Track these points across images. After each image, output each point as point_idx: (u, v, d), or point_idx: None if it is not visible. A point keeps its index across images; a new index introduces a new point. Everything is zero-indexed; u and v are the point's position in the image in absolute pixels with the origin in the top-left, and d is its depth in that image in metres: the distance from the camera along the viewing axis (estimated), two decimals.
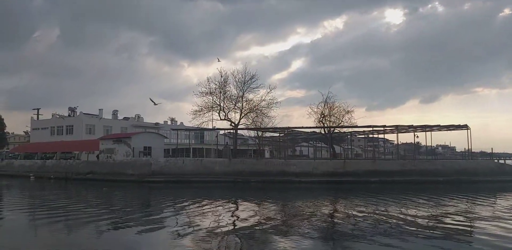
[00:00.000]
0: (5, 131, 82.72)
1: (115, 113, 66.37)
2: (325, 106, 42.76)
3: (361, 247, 10.17)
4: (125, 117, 67.93)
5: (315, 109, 42.99)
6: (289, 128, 42.84)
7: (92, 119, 60.75)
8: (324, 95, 42.93)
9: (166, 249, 9.99)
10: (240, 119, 43.82)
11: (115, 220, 15.02)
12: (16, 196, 27.73)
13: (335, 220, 14.87)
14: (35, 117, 67.86)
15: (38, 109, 68.70)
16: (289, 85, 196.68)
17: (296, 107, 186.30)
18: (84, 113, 61.29)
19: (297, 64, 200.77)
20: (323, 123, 42.84)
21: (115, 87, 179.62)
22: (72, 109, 63.51)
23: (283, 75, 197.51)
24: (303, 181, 32.15)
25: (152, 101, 58.77)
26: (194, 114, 43.37)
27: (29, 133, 74.97)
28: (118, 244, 10.93)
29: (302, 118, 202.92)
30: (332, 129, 43.82)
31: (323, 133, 45.91)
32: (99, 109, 63.31)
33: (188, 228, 12.86)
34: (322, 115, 42.66)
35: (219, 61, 57.58)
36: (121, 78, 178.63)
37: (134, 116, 69.12)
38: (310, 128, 42.69)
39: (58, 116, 63.36)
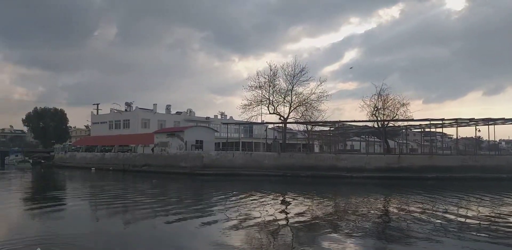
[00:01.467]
0: (67, 125, 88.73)
1: (168, 108, 68.62)
2: (379, 99, 41.29)
3: (417, 245, 9.68)
4: (177, 112, 70.04)
5: (368, 102, 41.68)
6: (340, 121, 41.82)
7: (147, 113, 63.23)
8: (378, 88, 41.45)
9: (219, 240, 10.06)
10: (289, 113, 43.56)
11: (169, 211, 15.48)
12: (79, 186, 29.61)
13: (389, 217, 14.26)
14: (95, 112, 71.87)
15: (97, 104, 72.79)
16: (341, 78, 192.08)
17: (348, 100, 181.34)
18: (139, 108, 63.93)
19: (350, 56, 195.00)
20: (376, 117, 41.39)
21: (168, 82, 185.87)
22: (129, 104, 66.44)
23: (335, 67, 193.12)
24: (355, 176, 31.34)
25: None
26: (244, 108, 43.75)
27: (90, 127, 79.62)
28: (172, 235, 11.22)
29: (355, 112, 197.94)
30: (386, 123, 42.21)
31: (376, 126, 44.35)
32: (154, 104, 65.79)
33: (239, 221, 12.92)
34: (376, 108, 41.22)
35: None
36: (174, 74, 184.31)
37: (186, 111, 71.03)
38: (362, 121, 41.40)
39: (115, 111, 66.63)
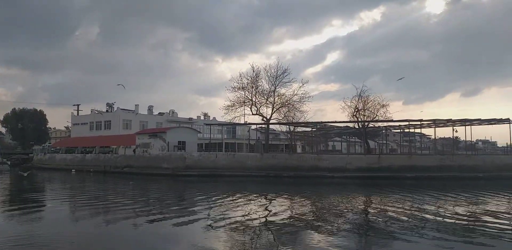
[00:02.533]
0: (47, 126, 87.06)
1: (150, 108, 68.09)
2: (359, 100, 41.87)
3: (395, 244, 9.97)
4: (160, 113, 69.57)
5: (349, 104, 42.23)
6: (321, 122, 42.33)
7: (128, 114, 62.61)
8: (359, 89, 42.08)
9: (199, 241, 10.14)
10: (272, 114, 43.79)
11: (150, 212, 15.45)
12: (59, 188, 29.16)
13: (369, 216, 14.60)
14: (75, 113, 70.73)
15: (78, 105, 71.69)
16: (323, 79, 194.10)
17: (330, 102, 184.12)
18: (121, 109, 63.25)
19: (332, 58, 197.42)
20: (357, 118, 42.02)
21: (151, 82, 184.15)
22: (110, 105, 65.64)
23: (318, 69, 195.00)
24: (336, 176, 31.78)
25: (122, 86, 62.44)
26: (227, 109, 43.79)
27: (70, 128, 78.29)
28: (153, 235, 11.23)
29: (336, 113, 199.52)
30: (366, 123, 42.92)
31: (357, 127, 45.04)
32: (135, 105, 65.15)
33: (221, 221, 13.02)
34: (356, 110, 41.82)
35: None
36: (157, 74, 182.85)
37: (168, 112, 70.62)
38: (343, 122, 41.99)
39: (96, 112, 65.74)
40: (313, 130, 46.52)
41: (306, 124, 43.20)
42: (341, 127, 47.81)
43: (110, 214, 15.61)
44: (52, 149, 64.61)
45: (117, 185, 30.70)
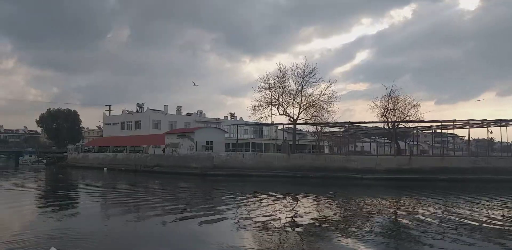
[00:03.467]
0: (80, 125, 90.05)
1: (179, 109, 69.20)
2: (389, 100, 41.01)
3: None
4: (188, 113, 70.58)
5: (378, 103, 41.43)
6: (350, 122, 41.70)
7: (158, 115, 63.82)
8: (388, 89, 41.20)
9: (226, 240, 10.19)
10: (299, 114, 43.55)
11: (179, 210, 15.70)
12: (91, 185, 30.11)
13: (399, 220, 14.13)
14: (107, 113, 72.77)
15: (109, 105, 73.70)
16: (352, 79, 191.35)
17: (359, 102, 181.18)
18: (150, 109, 64.57)
19: (361, 56, 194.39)
20: (387, 118, 41.15)
21: (179, 83, 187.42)
22: (140, 106, 67.14)
23: (346, 68, 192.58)
24: (365, 178, 31.23)
25: (193, 83, 62.41)
26: (253, 109, 43.87)
27: (102, 128, 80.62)
28: (181, 234, 11.39)
29: (365, 113, 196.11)
30: (396, 124, 41.96)
31: (387, 128, 44.11)
32: (164, 105, 66.36)
33: (248, 220, 13.05)
34: (386, 110, 40.97)
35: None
36: (185, 75, 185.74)
37: (196, 112, 71.53)
38: (372, 122, 41.26)
39: (127, 112, 67.40)
40: (341, 130, 45.86)
41: (334, 124, 42.67)
42: (370, 127, 46.94)
43: (140, 212, 15.96)
44: (85, 148, 66.74)
45: (147, 183, 31.34)
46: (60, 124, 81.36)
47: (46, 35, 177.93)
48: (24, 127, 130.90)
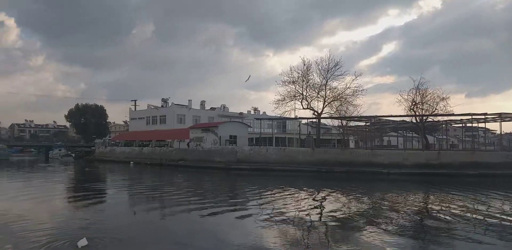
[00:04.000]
0: (107, 120, 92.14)
1: (202, 103, 69.68)
2: (417, 93, 39.88)
3: (455, 246, 9.26)
4: (212, 108, 70.99)
5: (406, 97, 40.35)
6: (376, 116, 40.83)
7: (182, 109, 64.47)
8: (416, 81, 40.04)
9: (251, 234, 10.10)
10: (323, 108, 43.00)
11: (203, 204, 15.77)
12: (118, 179, 30.70)
13: (427, 215, 13.71)
14: (132, 108, 74.06)
15: (135, 100, 74.96)
16: (378, 71, 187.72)
17: (386, 95, 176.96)
18: (175, 104, 65.27)
19: (388, 49, 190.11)
20: (415, 112, 40.07)
21: (203, 78, 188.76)
22: (165, 100, 67.96)
23: (373, 61, 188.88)
24: (392, 173, 30.56)
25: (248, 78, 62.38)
26: (277, 103, 43.55)
27: (128, 122, 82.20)
28: (206, 227, 11.37)
29: (392, 106, 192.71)
30: (424, 118, 40.81)
31: (414, 121, 42.98)
32: (188, 100, 66.90)
33: (273, 215, 12.93)
34: (414, 103, 39.89)
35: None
36: (208, 70, 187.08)
37: (220, 107, 71.84)
38: (399, 116, 40.17)
39: (152, 107, 68.39)
40: (367, 124, 45.00)
41: (360, 118, 41.88)
42: (397, 121, 45.81)
43: (165, 204, 16.12)
44: (112, 142, 68.25)
45: (172, 177, 31.70)
46: (88, 119, 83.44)
47: (73, 32, 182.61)
48: (54, 121, 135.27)
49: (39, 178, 30.17)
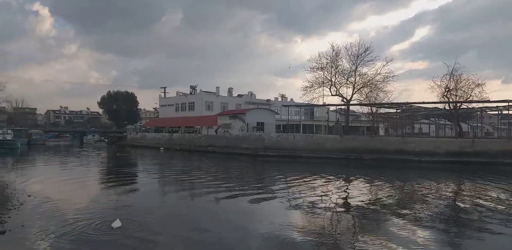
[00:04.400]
0: (138, 107, 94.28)
1: (230, 90, 69.99)
2: (451, 79, 38.39)
3: (486, 239, 8.90)
4: (239, 95, 71.18)
5: (439, 83, 38.94)
6: (407, 103, 39.72)
7: (210, 96, 65.03)
8: (450, 67, 38.52)
9: (277, 220, 10.17)
10: (352, 94, 42.28)
11: (231, 188, 16.00)
12: (149, 163, 31.55)
13: (459, 205, 13.27)
14: (162, 95, 75.35)
15: (164, 88, 76.20)
16: (410, 57, 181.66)
17: (418, 81, 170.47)
18: (203, 91, 65.87)
19: (421, 33, 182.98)
20: (448, 98, 38.70)
21: (231, 65, 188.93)
22: (193, 88, 68.73)
23: (404, 46, 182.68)
24: (423, 161, 29.87)
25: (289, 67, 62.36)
26: (305, 90, 43.13)
27: (158, 109, 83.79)
28: (233, 211, 11.56)
29: (424, 93, 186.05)
30: (458, 104, 39.38)
31: (448, 108, 41.57)
32: (216, 87, 67.42)
33: (300, 201, 12.98)
34: (447, 89, 38.47)
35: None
36: (236, 57, 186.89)
37: (247, 94, 71.92)
38: (432, 103, 38.88)
39: (181, 94, 69.34)
40: (397, 111, 43.92)
41: (390, 105, 40.90)
42: (429, 108, 44.43)
43: (194, 188, 16.47)
44: (143, 128, 69.96)
45: (200, 162, 32.27)
46: (119, 105, 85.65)
47: (105, 20, 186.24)
48: (87, 108, 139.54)
49: (74, 162, 31.44)
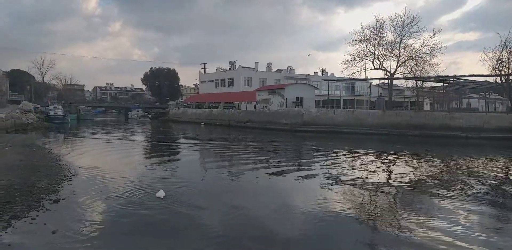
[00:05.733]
0: (179, 83, 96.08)
1: (269, 66, 69.24)
2: (504, 51, 35.76)
3: None
4: (278, 70, 70.38)
5: (491, 55, 36.42)
6: (455, 76, 37.63)
7: (249, 72, 64.81)
8: (503, 38, 35.78)
9: (317, 196, 10.20)
10: (396, 68, 40.57)
11: (270, 164, 16.10)
12: (191, 138, 32.41)
13: (508, 183, 12.67)
14: (202, 71, 76.03)
15: (204, 64, 76.72)
16: (461, 27, 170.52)
17: (468, 53, 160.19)
18: (242, 67, 65.70)
19: (474, 2, 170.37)
20: (500, 71, 36.23)
21: (270, 40, 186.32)
22: (232, 63, 68.64)
23: (455, 16, 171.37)
24: (470, 137, 28.57)
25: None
26: (346, 64, 41.90)
27: (198, 85, 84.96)
28: (272, 187, 11.69)
29: (474, 66, 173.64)
30: (510, 77, 36.82)
31: (499, 82, 39.01)
32: (255, 63, 66.83)
33: (340, 178, 12.90)
34: (499, 61, 35.96)
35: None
36: (276, 31, 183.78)
37: (286, 69, 70.96)
38: (482, 76, 36.60)
39: (221, 70, 69.62)
40: (444, 85, 41.80)
41: (437, 78, 38.95)
42: (479, 81, 41.93)
43: (233, 163, 16.80)
44: (184, 104, 71.49)
45: (240, 137, 32.70)
46: (162, 82, 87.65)
47: None
48: (131, 84, 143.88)
49: (121, 136, 32.91)
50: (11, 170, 11.62)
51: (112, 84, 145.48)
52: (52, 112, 52.08)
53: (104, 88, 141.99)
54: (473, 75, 35.68)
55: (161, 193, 9.32)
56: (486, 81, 41.70)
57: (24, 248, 6.02)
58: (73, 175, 12.00)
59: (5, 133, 27.27)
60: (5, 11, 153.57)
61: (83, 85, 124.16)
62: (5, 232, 6.42)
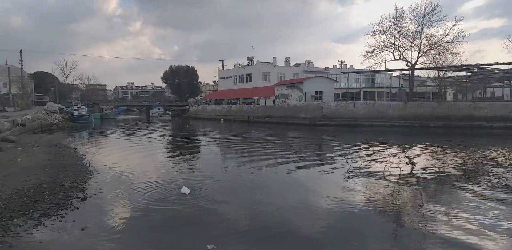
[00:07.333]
0: (198, 80, 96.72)
1: (287, 60, 68.93)
2: None
3: None
4: (296, 64, 69.98)
5: None
6: (479, 65, 36.56)
7: (267, 67, 64.69)
8: None
9: (339, 190, 10.16)
10: (417, 58, 39.77)
11: (290, 158, 16.12)
12: (211, 134, 32.70)
13: None
14: (221, 67, 76.33)
15: (223, 60, 77.06)
16: (485, 14, 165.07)
17: (492, 41, 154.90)
18: (260, 62, 65.63)
19: None
20: None
21: (288, 33, 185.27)
22: (250, 59, 68.67)
23: (479, 3, 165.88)
24: (496, 127, 27.82)
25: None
26: (366, 55, 41.29)
27: (217, 82, 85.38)
28: (293, 182, 11.69)
29: (499, 54, 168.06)
30: None
31: None
32: (273, 57, 66.66)
33: (362, 171, 12.79)
34: None
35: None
36: (294, 24, 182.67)
37: (304, 62, 70.46)
38: (507, 63, 35.39)
39: (239, 66, 69.75)
40: (468, 74, 40.67)
41: (460, 68, 37.94)
42: (504, 69, 40.60)
43: (254, 158, 16.87)
44: (204, 101, 72.04)
45: (259, 132, 32.77)
46: (181, 79, 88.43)
47: None
48: (151, 83, 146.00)
49: (143, 134, 33.50)
50: (39, 169, 12.04)
51: (133, 83, 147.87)
52: (76, 113, 53.30)
53: (125, 88, 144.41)
54: (498, 64, 34.58)
55: (185, 189, 9.48)
56: (511, 69, 40.35)
57: (55, 245, 6.20)
58: (99, 173, 12.34)
59: (32, 134, 28.15)
60: (30, 13, 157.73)
61: (105, 85, 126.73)
62: (36, 230, 6.65)
